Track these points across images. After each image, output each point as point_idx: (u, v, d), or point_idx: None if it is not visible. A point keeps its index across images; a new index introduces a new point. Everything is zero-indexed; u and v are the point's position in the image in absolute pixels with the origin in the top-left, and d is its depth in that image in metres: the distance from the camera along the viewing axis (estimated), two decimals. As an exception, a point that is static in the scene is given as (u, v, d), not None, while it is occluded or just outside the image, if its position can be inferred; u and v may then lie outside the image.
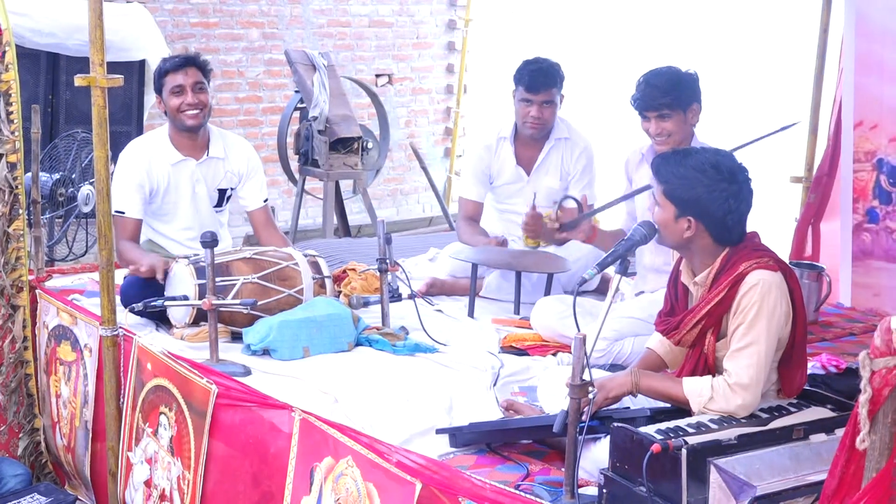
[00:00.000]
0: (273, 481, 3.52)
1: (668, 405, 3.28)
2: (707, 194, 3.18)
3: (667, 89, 4.35)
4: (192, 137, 4.88)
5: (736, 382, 3.09)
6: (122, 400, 4.17)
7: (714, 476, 2.72)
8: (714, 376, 3.18)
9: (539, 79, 5.14)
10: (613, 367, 4.13)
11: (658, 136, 4.38)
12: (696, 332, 3.25)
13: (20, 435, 4.90)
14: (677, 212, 3.22)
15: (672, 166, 3.26)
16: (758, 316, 3.11)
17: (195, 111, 4.78)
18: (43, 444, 4.99)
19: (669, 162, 3.29)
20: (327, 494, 3.27)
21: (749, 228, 3.31)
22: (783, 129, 4.69)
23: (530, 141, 5.29)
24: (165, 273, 4.40)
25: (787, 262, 3.34)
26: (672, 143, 4.35)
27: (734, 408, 3.08)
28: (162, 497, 3.95)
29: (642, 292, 4.66)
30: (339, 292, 4.88)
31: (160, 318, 4.49)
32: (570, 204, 4.60)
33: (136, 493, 4.10)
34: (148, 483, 4.04)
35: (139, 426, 4.09)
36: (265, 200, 5.10)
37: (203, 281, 4.18)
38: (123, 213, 4.72)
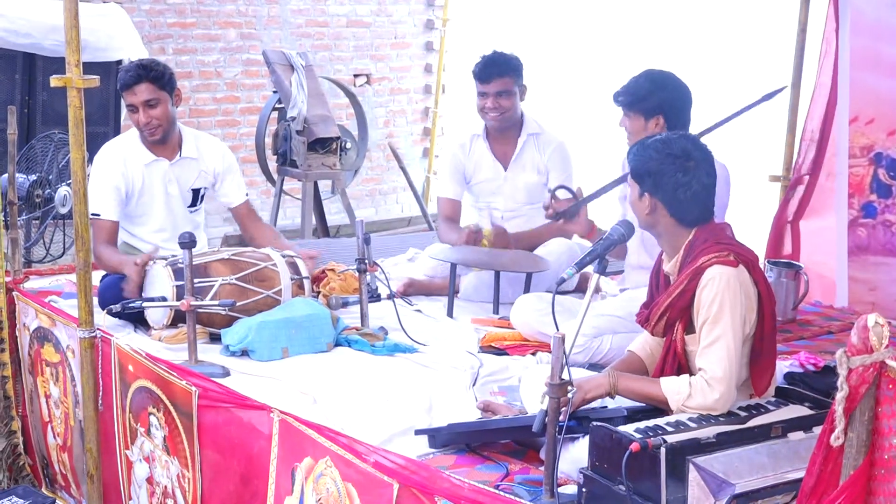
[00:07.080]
0: (260, 481, 3.52)
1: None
2: (656, 167, 3.31)
3: (633, 90, 4.31)
4: (162, 142, 4.83)
5: (711, 377, 3.12)
6: (113, 401, 4.16)
7: (693, 474, 2.73)
8: (689, 373, 3.22)
9: (489, 68, 5.14)
10: (593, 367, 4.13)
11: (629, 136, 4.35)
12: (663, 323, 3.32)
13: (-3, 437, 4.89)
14: (640, 189, 3.37)
15: (635, 148, 3.44)
16: (721, 310, 3.16)
17: (150, 129, 4.72)
18: (21, 445, 4.96)
19: (635, 146, 3.46)
20: (309, 494, 3.27)
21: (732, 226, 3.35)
22: (768, 97, 4.55)
23: (503, 136, 5.28)
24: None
25: (759, 257, 3.37)
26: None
27: (712, 402, 3.10)
28: (165, 494, 3.98)
29: (627, 289, 4.66)
30: (318, 293, 4.87)
31: (138, 320, 4.47)
32: (564, 194, 4.60)
33: (141, 490, 4.13)
34: (150, 480, 4.07)
35: (132, 426, 4.10)
36: (246, 195, 5.09)
37: (181, 282, 4.16)
38: (99, 215, 4.65)
